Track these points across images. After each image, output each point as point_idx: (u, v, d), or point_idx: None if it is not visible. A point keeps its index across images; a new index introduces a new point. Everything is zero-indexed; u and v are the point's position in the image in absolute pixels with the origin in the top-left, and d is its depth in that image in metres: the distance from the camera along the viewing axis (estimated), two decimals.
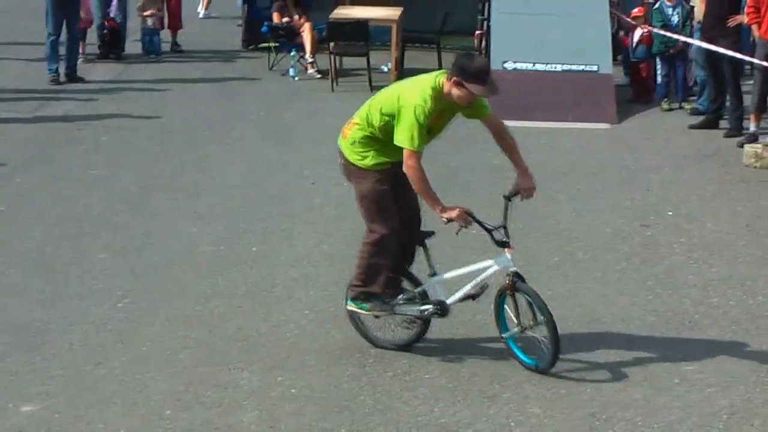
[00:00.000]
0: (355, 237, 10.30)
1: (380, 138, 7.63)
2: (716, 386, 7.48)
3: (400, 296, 7.97)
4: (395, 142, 7.44)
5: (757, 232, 10.83)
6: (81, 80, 17.05)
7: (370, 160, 7.71)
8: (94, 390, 7.34)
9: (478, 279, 7.79)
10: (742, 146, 13.67)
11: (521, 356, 7.66)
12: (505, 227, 7.81)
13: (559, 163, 12.89)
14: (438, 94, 7.39)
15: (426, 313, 7.86)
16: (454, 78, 7.25)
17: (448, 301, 7.83)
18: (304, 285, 9.21)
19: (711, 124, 15.03)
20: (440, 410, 7.14)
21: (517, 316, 7.59)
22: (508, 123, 14.54)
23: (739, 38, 14.70)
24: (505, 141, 8.06)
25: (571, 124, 14.61)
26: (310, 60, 17.99)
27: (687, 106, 16.17)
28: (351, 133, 7.81)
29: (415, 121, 7.27)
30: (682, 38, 15.64)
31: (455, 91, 7.31)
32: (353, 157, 7.78)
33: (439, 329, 8.32)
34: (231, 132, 14.37)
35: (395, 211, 7.80)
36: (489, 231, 7.81)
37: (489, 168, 12.69)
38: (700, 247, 10.33)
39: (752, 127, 14.30)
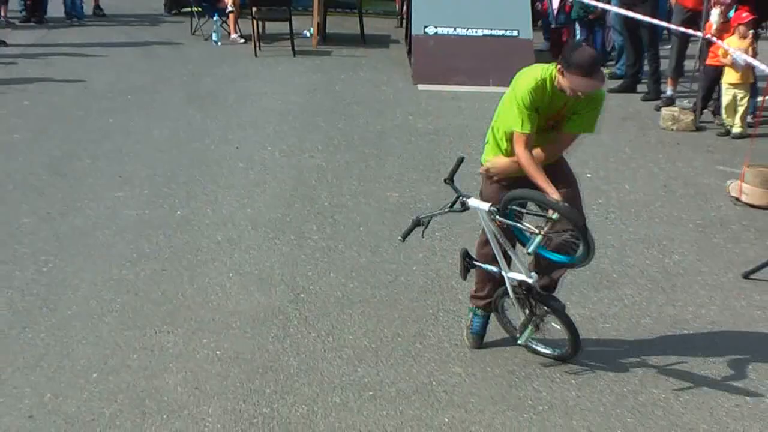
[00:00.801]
0: (279, 201, 10.38)
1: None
2: (632, 343, 7.63)
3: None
4: (504, 129, 7.07)
5: (674, 192, 11.00)
6: (3, 44, 16.95)
7: None
8: (19, 354, 7.32)
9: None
10: (659, 109, 13.87)
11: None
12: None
13: (481, 127, 12.91)
14: (547, 82, 6.84)
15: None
16: (559, 65, 6.75)
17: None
18: (228, 248, 9.23)
19: (629, 88, 15.22)
20: (363, 370, 7.21)
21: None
22: (430, 87, 14.90)
23: (657, 4, 14.85)
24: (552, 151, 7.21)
25: (492, 88, 14.67)
26: (231, 9, 17.96)
27: (606, 70, 16.30)
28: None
29: (520, 103, 6.81)
30: (601, 5, 15.78)
31: (560, 79, 6.76)
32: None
33: (361, 290, 8.39)
34: (154, 96, 14.34)
35: None
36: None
37: (411, 132, 12.79)
38: (617, 208, 10.47)
39: (669, 91, 14.50)
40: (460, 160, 7.18)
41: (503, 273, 7.17)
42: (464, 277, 7.39)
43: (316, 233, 9.62)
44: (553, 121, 7.03)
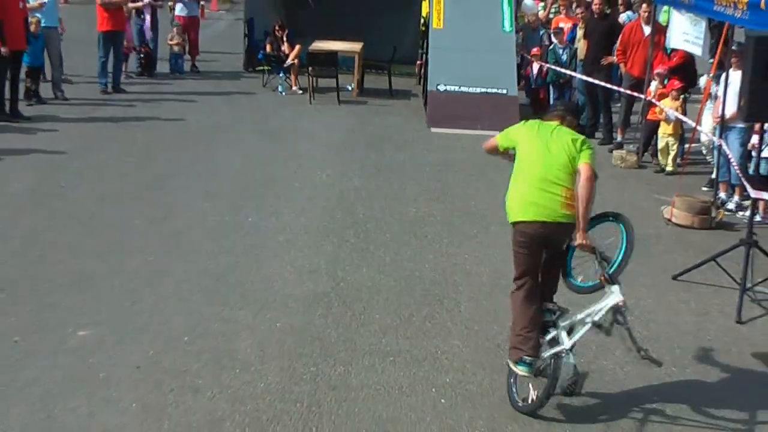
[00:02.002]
0: (326, 212, 10.39)
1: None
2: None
3: None
4: (586, 162, 6.15)
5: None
6: (123, 91, 16.98)
7: None
8: (130, 322, 7.35)
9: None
10: (611, 152, 13.82)
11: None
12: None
13: (477, 160, 12.95)
14: None
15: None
16: (576, 121, 6.47)
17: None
18: (287, 247, 9.22)
19: (588, 135, 15.14)
20: (386, 341, 7.22)
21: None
22: (440, 130, 14.87)
23: (611, 73, 14.81)
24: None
25: (486, 132, 14.60)
26: (290, 62, 18.01)
27: None
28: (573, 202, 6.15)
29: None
30: (569, 72, 15.77)
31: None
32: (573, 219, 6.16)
33: (386, 281, 8.38)
34: (233, 132, 14.34)
35: None
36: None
37: (426, 163, 12.79)
38: None
39: (619, 138, 14.46)
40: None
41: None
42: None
43: (353, 237, 9.61)
44: None
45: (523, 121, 6.70)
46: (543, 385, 6.09)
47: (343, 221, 10.13)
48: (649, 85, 13.27)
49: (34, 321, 7.29)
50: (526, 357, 6.03)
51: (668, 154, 12.93)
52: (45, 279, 8.14)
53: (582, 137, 6.35)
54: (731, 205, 11.23)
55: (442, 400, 6.35)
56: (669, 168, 12.88)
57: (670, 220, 10.65)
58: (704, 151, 12.90)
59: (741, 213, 10.91)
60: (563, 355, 6.07)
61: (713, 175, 11.72)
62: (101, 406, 6.06)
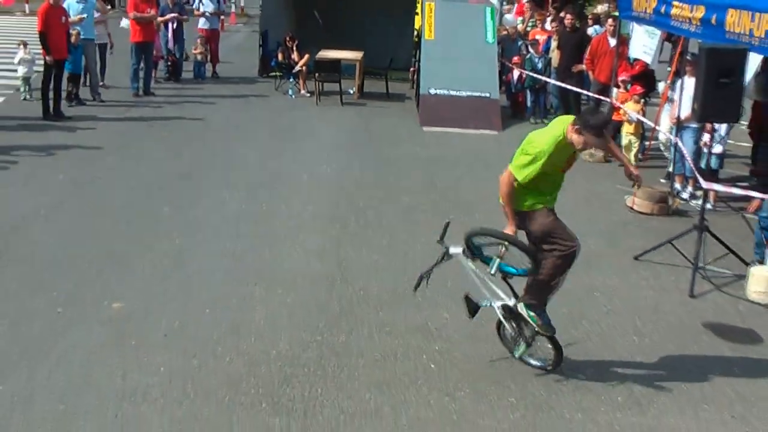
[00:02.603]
0: (330, 201, 10.37)
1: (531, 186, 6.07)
2: (560, 300, 7.60)
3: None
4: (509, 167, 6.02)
5: (591, 203, 10.94)
6: (153, 94, 16.94)
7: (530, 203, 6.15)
8: (160, 295, 7.35)
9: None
10: None
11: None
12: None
13: (464, 155, 12.95)
14: (562, 138, 5.91)
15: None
16: (577, 126, 5.84)
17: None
18: (296, 231, 9.21)
19: None
20: (383, 313, 7.21)
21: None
22: (431, 129, 14.84)
23: (582, 79, 14.79)
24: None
25: (472, 131, 14.64)
26: (298, 69, 17.97)
27: (546, 121, 16.25)
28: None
29: (530, 157, 5.94)
30: (544, 78, 15.75)
31: (573, 136, 5.84)
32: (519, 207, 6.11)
33: (383, 261, 8.37)
34: (249, 130, 14.30)
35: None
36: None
37: (418, 158, 12.75)
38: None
39: None
40: (447, 225, 6.27)
41: (492, 303, 6.28)
42: (472, 317, 6.32)
43: (354, 223, 9.60)
44: (567, 165, 6.16)
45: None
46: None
47: (346, 209, 10.11)
48: (613, 90, 13.27)
49: (74, 295, 7.29)
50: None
51: (631, 150, 12.90)
52: (84, 258, 8.13)
53: (533, 139, 6.00)
54: (686, 195, 11.24)
55: (432, 366, 6.35)
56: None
57: (632, 208, 10.64)
58: (662, 148, 12.93)
59: (694, 202, 10.91)
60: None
61: (670, 169, 11.72)
62: (133, 369, 6.06)
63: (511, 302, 6.24)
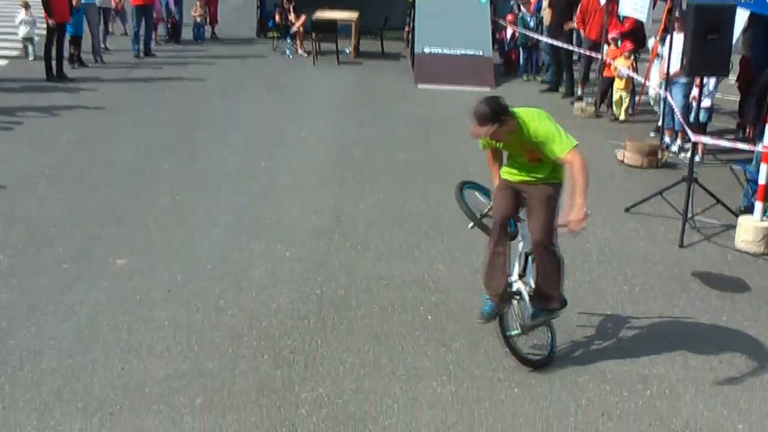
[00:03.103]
0: (328, 158, 10.30)
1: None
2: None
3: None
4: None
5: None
6: (154, 56, 16.80)
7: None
8: (162, 251, 7.30)
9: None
10: (572, 103, 13.68)
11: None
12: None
13: (456, 112, 12.78)
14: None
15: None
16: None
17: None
18: (295, 188, 9.14)
19: (553, 89, 15.01)
20: (381, 267, 7.16)
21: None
22: (425, 86, 14.71)
23: (572, 37, 14.61)
24: (573, 177, 5.42)
25: (465, 87, 14.48)
26: (295, 30, 17.78)
27: (539, 78, 16.17)
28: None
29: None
30: (536, 36, 15.59)
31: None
32: None
33: (380, 216, 8.32)
34: (248, 89, 14.17)
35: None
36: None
37: (413, 115, 12.63)
38: None
39: (579, 92, 14.30)
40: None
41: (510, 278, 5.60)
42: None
43: (352, 179, 9.52)
44: (529, 155, 5.49)
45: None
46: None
47: (343, 165, 10.02)
48: (604, 46, 13.13)
49: (80, 251, 7.23)
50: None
51: (621, 105, 12.82)
52: (88, 215, 8.06)
53: None
54: (675, 148, 11.15)
55: (429, 317, 6.31)
56: (622, 117, 12.78)
57: (622, 161, 10.56)
58: (652, 103, 12.84)
59: (683, 154, 10.84)
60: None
61: (659, 123, 11.62)
62: (138, 324, 6.02)
63: (516, 282, 5.65)
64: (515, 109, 5.46)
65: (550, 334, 5.80)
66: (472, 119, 5.32)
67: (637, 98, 13.13)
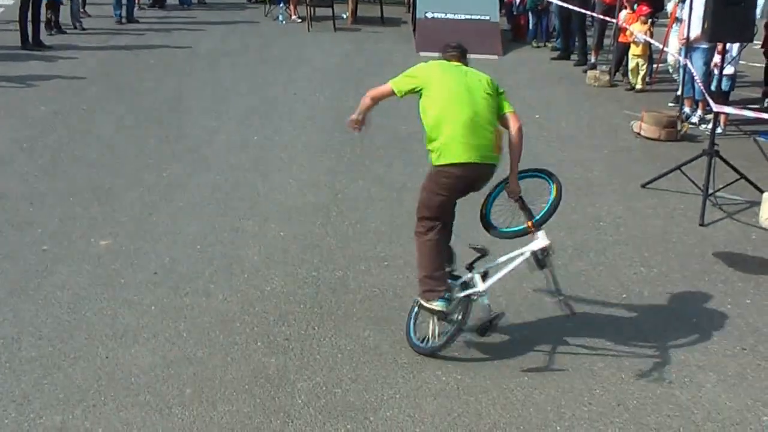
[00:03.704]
0: (324, 131, 10.27)
1: None
2: (565, 231, 7.55)
3: None
4: (509, 110, 5.59)
5: (594, 129, 10.87)
6: (136, 22, 16.75)
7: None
8: (148, 231, 7.28)
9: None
10: (585, 72, 13.66)
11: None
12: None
13: None
14: None
15: None
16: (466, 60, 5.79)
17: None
18: (288, 163, 9.13)
19: (564, 57, 14.97)
20: (380, 247, 7.16)
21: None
22: (428, 54, 14.60)
23: None
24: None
25: (471, 55, 14.34)
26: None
27: (548, 45, 16.11)
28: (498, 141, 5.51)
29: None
30: None
31: None
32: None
33: (380, 193, 8.30)
34: (238, 58, 14.13)
35: None
36: None
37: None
38: (556, 139, 10.33)
39: (593, 59, 14.27)
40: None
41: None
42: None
43: (350, 153, 9.50)
44: None
45: (425, 62, 5.82)
46: (447, 329, 5.53)
47: (340, 138, 9.99)
48: (620, 10, 13.08)
49: (60, 231, 7.22)
50: (447, 293, 5.46)
51: (638, 73, 12.79)
52: (69, 193, 8.05)
53: (491, 78, 5.65)
54: (695, 119, 11.13)
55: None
56: (638, 86, 12.75)
57: (639, 133, 10.54)
58: (671, 70, 12.81)
59: (704, 126, 10.82)
60: (475, 297, 5.55)
61: (678, 92, 11.59)
62: (123, 308, 6.02)
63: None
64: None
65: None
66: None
67: (654, 66, 13.10)
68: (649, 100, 11.80)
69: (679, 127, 10.47)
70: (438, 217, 5.57)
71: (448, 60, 5.83)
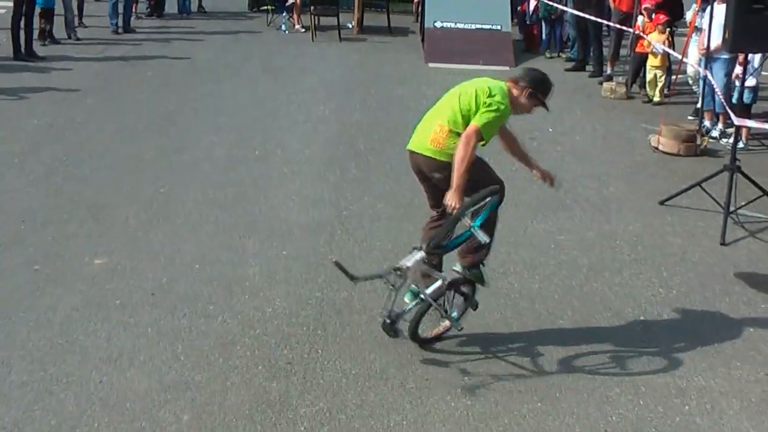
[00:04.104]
0: (328, 144, 10.29)
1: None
2: (579, 250, 7.55)
3: None
4: (473, 122, 5.55)
5: (610, 143, 10.87)
6: (133, 31, 16.84)
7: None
8: (144, 250, 7.29)
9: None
10: (601, 84, 13.67)
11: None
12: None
13: None
14: (507, 98, 5.73)
15: None
16: (530, 89, 5.78)
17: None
18: (291, 178, 9.15)
19: (579, 68, 15.00)
20: (387, 266, 7.12)
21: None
22: (437, 65, 14.69)
23: (602, 8, 14.58)
24: (518, 150, 6.17)
25: (482, 66, 14.46)
26: (292, 2, 17.78)
27: (562, 55, 16.15)
28: (446, 141, 5.61)
29: (499, 114, 5.60)
30: (560, 7, 15.57)
31: (524, 101, 5.80)
32: (444, 157, 5.60)
33: (386, 209, 8.31)
34: (239, 69, 14.20)
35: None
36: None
37: (423, 97, 12.63)
38: (570, 153, 10.34)
39: (609, 70, 14.30)
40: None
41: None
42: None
43: (355, 168, 9.52)
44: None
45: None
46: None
47: (345, 153, 10.02)
48: (637, 19, 13.11)
49: (53, 250, 7.23)
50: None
51: (656, 85, 12.80)
52: (62, 210, 8.07)
53: (493, 90, 5.67)
54: (715, 133, 11.13)
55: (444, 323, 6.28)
56: (656, 99, 12.77)
57: (657, 148, 10.54)
58: (690, 82, 12.79)
59: (725, 140, 10.82)
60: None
61: (698, 104, 11.59)
62: (118, 331, 6.02)
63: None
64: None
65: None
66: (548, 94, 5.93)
67: (673, 77, 13.10)
68: (668, 113, 11.81)
69: (698, 142, 10.47)
70: (430, 207, 6.07)
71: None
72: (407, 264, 5.67)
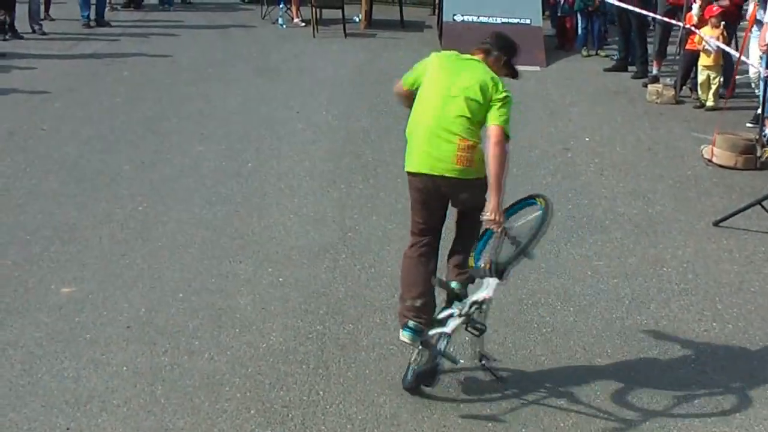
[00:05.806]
0: (331, 156, 10.34)
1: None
2: (620, 277, 7.57)
3: None
4: (494, 122, 5.61)
5: (656, 154, 10.89)
6: (108, 25, 16.95)
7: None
8: (119, 276, 7.34)
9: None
10: (646, 86, 13.70)
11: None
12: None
13: None
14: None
15: None
16: (505, 57, 5.94)
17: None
18: (289, 194, 9.20)
19: (621, 68, 15.04)
20: (398, 296, 7.17)
21: None
22: None
23: None
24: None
25: None
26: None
27: (602, 53, 16.19)
28: (473, 155, 5.65)
29: (511, 104, 5.71)
30: None
31: (501, 71, 5.89)
32: (472, 174, 5.70)
33: (397, 230, 8.35)
34: (230, 69, 14.29)
35: None
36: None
37: None
38: (610, 166, 10.37)
39: (654, 71, 14.33)
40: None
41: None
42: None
43: (362, 183, 9.57)
44: None
45: (437, 52, 6.19)
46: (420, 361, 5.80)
47: (351, 165, 10.07)
48: (689, 10, 13.08)
49: (14, 276, 7.28)
50: (411, 322, 5.77)
51: (709, 88, 12.79)
52: (25, 230, 8.12)
53: (498, 83, 5.72)
54: None
55: (461, 360, 6.31)
56: (710, 103, 12.75)
57: (710, 160, 10.55)
58: (753, 86, 12.74)
59: None
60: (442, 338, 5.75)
61: (759, 110, 11.59)
62: (89, 370, 6.05)
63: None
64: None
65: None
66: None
67: (735, 78, 13.08)
68: (723, 120, 11.82)
69: (759, 153, 10.49)
70: (418, 232, 6.02)
71: (472, 53, 6.04)
72: (488, 294, 5.67)
